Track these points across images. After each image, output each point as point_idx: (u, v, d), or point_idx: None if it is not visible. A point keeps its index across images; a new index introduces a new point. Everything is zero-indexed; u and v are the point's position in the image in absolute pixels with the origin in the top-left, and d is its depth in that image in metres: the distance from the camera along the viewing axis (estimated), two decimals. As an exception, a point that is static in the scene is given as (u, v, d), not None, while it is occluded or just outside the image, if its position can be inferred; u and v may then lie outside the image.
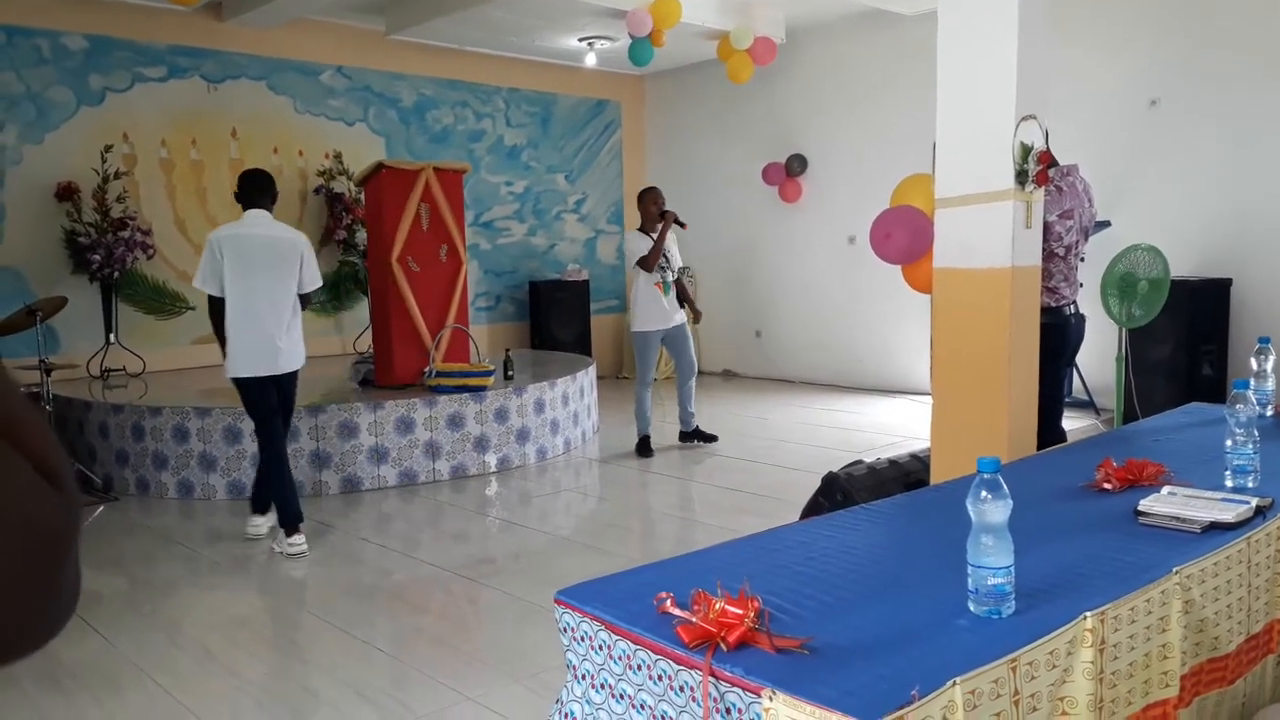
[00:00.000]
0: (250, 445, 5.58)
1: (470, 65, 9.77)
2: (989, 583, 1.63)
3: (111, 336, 7.58)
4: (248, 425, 5.47)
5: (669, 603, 1.66)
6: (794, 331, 10.02)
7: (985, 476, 1.64)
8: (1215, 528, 2.05)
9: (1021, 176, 3.70)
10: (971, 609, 1.65)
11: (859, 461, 4.26)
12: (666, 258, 6.72)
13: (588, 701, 1.76)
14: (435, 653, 3.63)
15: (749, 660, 1.48)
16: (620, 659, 1.67)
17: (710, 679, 1.49)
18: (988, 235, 3.77)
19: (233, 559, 4.81)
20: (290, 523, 4.78)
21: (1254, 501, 2.15)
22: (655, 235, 6.66)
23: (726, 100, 10.24)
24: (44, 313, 5.96)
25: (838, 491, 3.89)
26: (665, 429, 7.32)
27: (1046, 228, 4.04)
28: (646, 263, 6.60)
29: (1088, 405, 7.31)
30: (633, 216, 11.31)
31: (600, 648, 1.72)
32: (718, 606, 1.58)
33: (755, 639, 1.53)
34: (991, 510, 1.63)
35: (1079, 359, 5.30)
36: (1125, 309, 4.84)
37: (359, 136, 9.07)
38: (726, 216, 10.30)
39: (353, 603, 4.16)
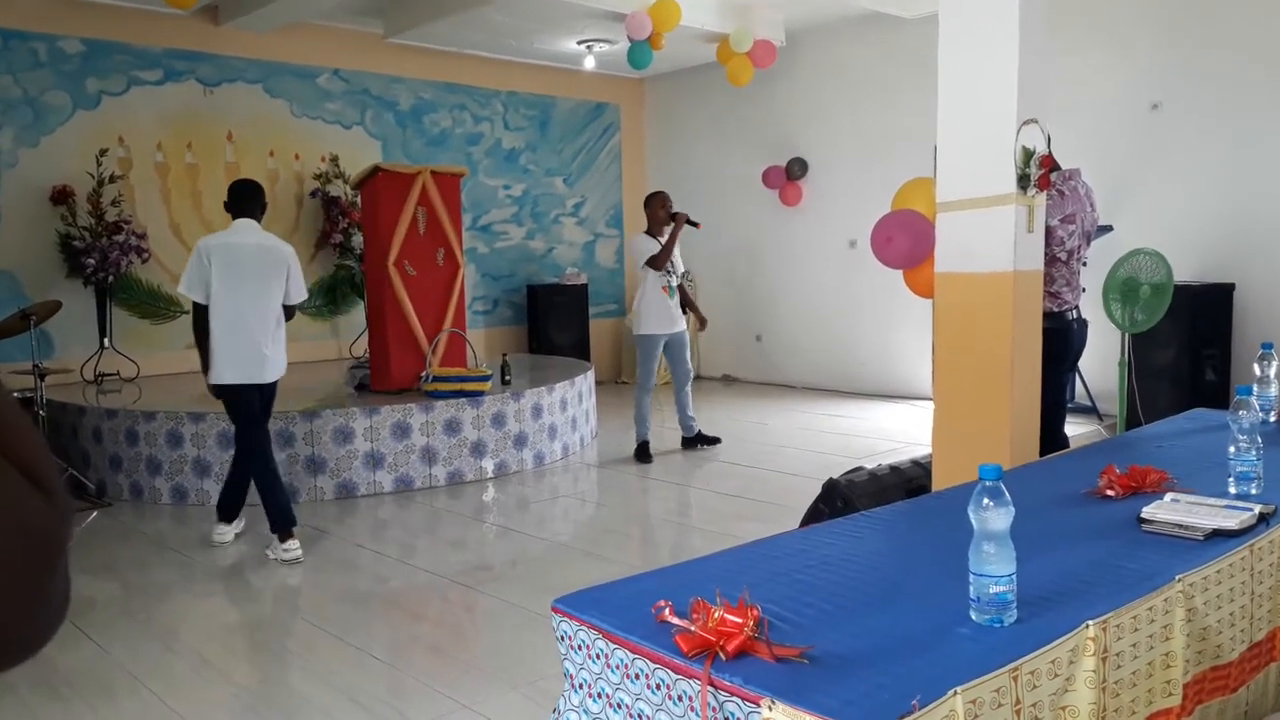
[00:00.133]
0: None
1: (468, 68, 9.76)
2: (991, 591, 1.61)
3: (106, 341, 7.55)
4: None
5: (667, 611, 1.64)
6: (795, 336, 10.01)
7: (987, 484, 1.62)
8: (1218, 535, 2.04)
9: (1023, 181, 3.68)
10: (973, 617, 1.64)
11: (860, 467, 4.24)
12: (671, 261, 6.71)
13: (585, 710, 1.74)
14: (432, 660, 3.61)
15: (748, 669, 1.47)
16: (618, 667, 1.65)
17: (709, 688, 1.47)
18: (989, 239, 3.75)
19: (227, 565, 4.79)
20: (284, 527, 4.75)
21: (1257, 508, 2.13)
22: (662, 239, 6.65)
23: (726, 103, 10.23)
24: (38, 317, 5.93)
25: (838, 498, 3.87)
26: (664, 434, 7.30)
27: (1049, 232, 4.02)
28: (656, 261, 6.57)
29: (1090, 411, 7.29)
30: (632, 220, 11.35)
31: (598, 656, 1.70)
32: (716, 615, 1.56)
33: (754, 648, 1.51)
34: (993, 518, 1.61)
35: (1081, 364, 5.29)
36: (1128, 314, 4.83)
37: (356, 140, 9.06)
38: (726, 220, 10.29)
39: (348, 610, 4.13)
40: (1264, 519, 2.12)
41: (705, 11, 8.40)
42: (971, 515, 1.63)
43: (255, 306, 4.71)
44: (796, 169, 9.67)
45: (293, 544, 4.73)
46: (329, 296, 8.90)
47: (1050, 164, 3.80)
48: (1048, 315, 4.10)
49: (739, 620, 1.54)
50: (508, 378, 6.95)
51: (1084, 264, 4.43)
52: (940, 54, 3.88)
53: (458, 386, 6.36)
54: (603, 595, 1.83)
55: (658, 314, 6.65)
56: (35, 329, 5.89)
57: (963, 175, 3.83)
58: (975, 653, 1.51)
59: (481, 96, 9.96)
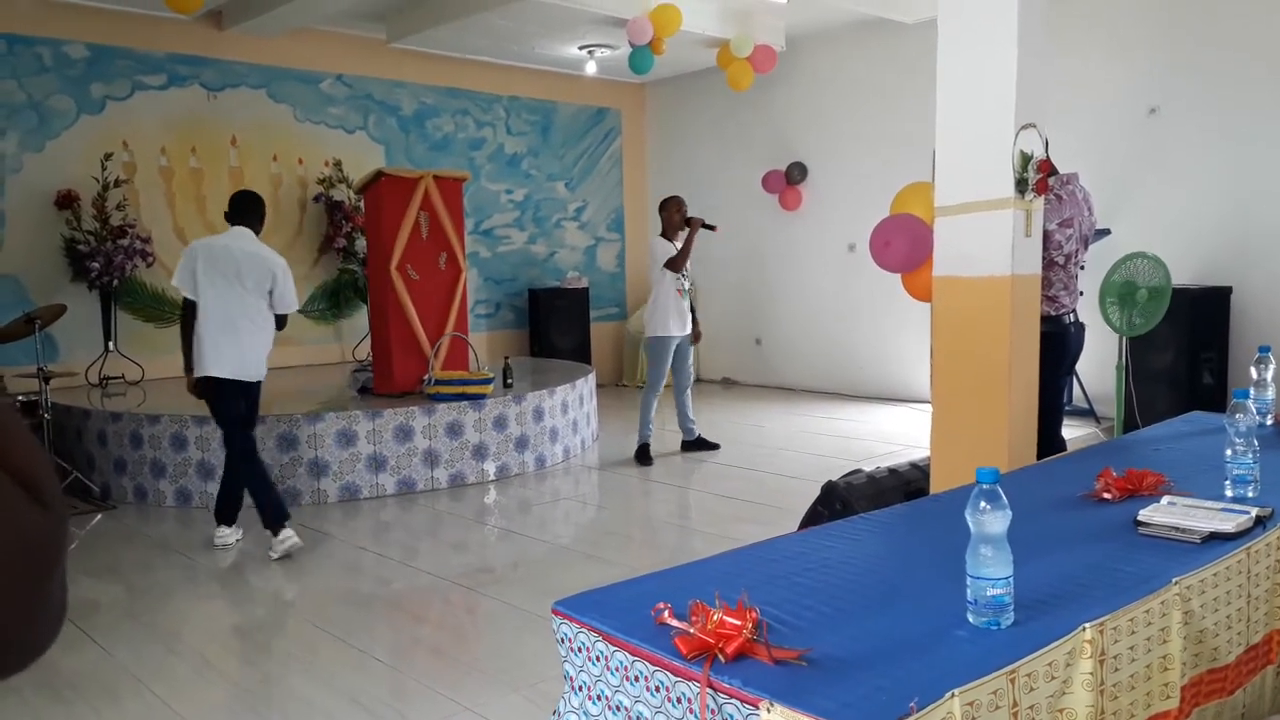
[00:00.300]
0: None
1: (471, 73, 9.78)
2: (988, 594, 1.62)
3: (110, 344, 7.57)
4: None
5: (667, 613, 1.65)
6: (794, 339, 10.02)
7: (984, 487, 1.63)
8: (1215, 538, 2.05)
9: (1021, 185, 3.70)
10: (970, 620, 1.64)
11: (858, 470, 4.25)
12: (685, 266, 6.77)
13: (585, 713, 1.75)
14: (433, 662, 3.62)
15: (747, 671, 1.48)
16: (618, 670, 1.67)
17: (708, 690, 1.48)
18: (988, 243, 3.77)
19: (231, 567, 4.80)
20: (277, 520, 4.82)
21: (1254, 511, 2.15)
22: (677, 243, 6.72)
23: (727, 108, 10.25)
24: (43, 320, 5.95)
25: (837, 500, 3.88)
26: (664, 437, 7.31)
27: (1046, 236, 4.04)
28: (676, 263, 6.64)
29: (1088, 414, 7.30)
30: (633, 224, 11.38)
31: (598, 658, 1.71)
32: (716, 617, 1.57)
33: (753, 650, 1.52)
34: (990, 521, 1.62)
35: (1079, 367, 5.30)
36: (1125, 317, 4.84)
37: (359, 144, 9.08)
38: (726, 224, 10.22)
39: (351, 612, 4.15)
40: (1261, 522, 2.13)
41: (706, 17, 8.42)
42: (969, 518, 1.64)
43: (239, 307, 4.82)
44: (796, 173, 9.69)
45: (286, 532, 4.80)
46: (332, 300, 8.92)
47: (1048, 168, 3.81)
48: (1045, 319, 4.11)
49: (738, 623, 1.55)
50: (509, 381, 6.97)
51: (1082, 268, 4.44)
52: (939, 58, 3.90)
53: (460, 390, 6.38)
54: (603, 598, 1.84)
55: (672, 316, 6.71)
56: (40, 333, 5.91)
57: (961, 179, 3.84)
58: (973, 655, 1.52)
59: (484, 101, 9.98)
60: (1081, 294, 4.47)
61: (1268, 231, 6.64)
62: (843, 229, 9.31)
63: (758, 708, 1.40)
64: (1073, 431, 6.17)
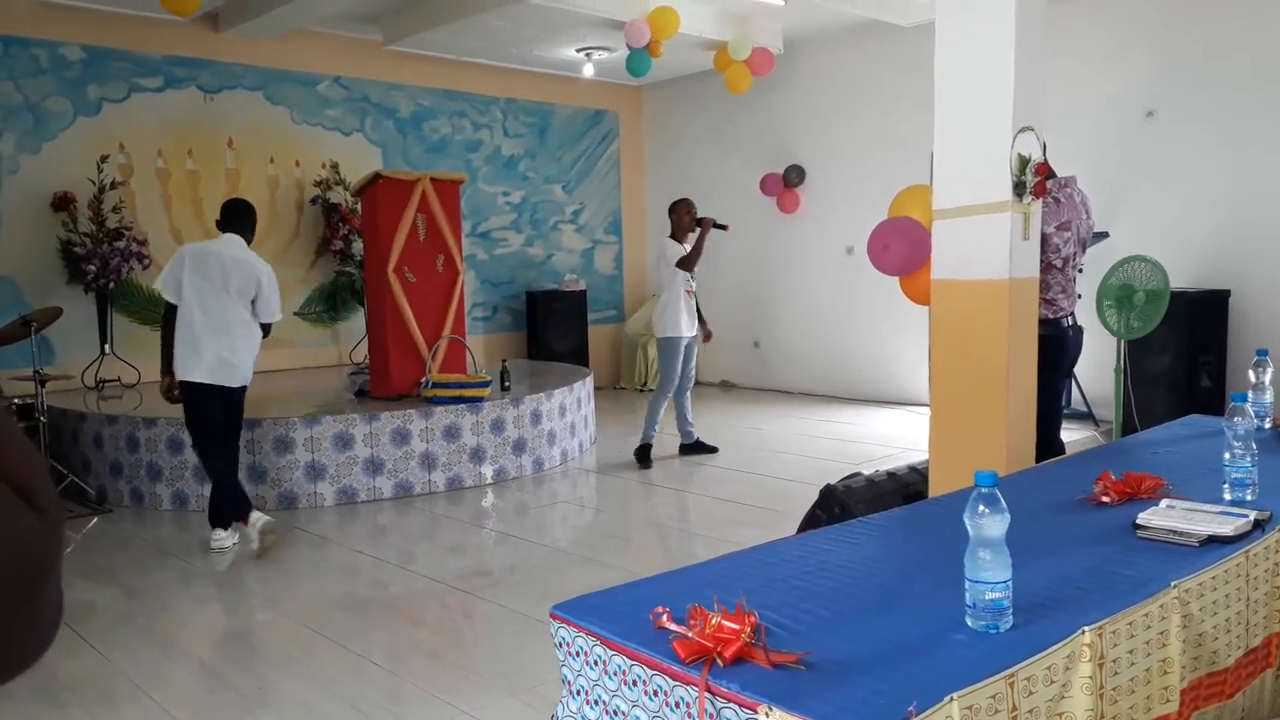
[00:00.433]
0: (244, 457, 5.55)
1: (468, 75, 9.78)
2: (987, 597, 1.62)
3: (106, 347, 7.55)
4: (243, 436, 5.42)
5: (665, 618, 1.65)
6: (792, 342, 10.02)
7: (982, 490, 1.63)
8: (1213, 541, 2.05)
9: (1019, 188, 3.70)
10: (969, 624, 1.64)
11: (857, 473, 4.25)
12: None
13: (582, 717, 1.74)
14: (431, 666, 3.61)
15: (745, 676, 1.47)
16: (615, 674, 1.66)
17: (706, 694, 1.48)
18: (985, 247, 3.77)
19: (227, 571, 4.79)
20: (243, 511, 4.89)
21: (1252, 515, 2.14)
22: (688, 245, 6.76)
23: (724, 111, 10.26)
24: (39, 323, 5.94)
25: (835, 504, 3.87)
26: (663, 440, 7.30)
27: (1044, 239, 4.04)
28: (688, 262, 6.67)
29: (1086, 417, 7.31)
30: (630, 227, 11.39)
31: (595, 663, 1.70)
32: (714, 621, 1.56)
33: (752, 654, 1.51)
34: (989, 524, 1.62)
35: (1077, 370, 5.30)
36: (1123, 320, 4.84)
37: (356, 147, 9.07)
38: (724, 227, 10.29)
39: (348, 616, 4.14)
40: (1259, 525, 2.13)
41: (704, 19, 8.43)
42: (967, 522, 1.64)
43: (223, 312, 4.87)
44: (794, 176, 9.70)
45: (255, 515, 4.89)
46: (329, 303, 8.91)
47: (1046, 171, 3.82)
48: (1043, 322, 4.11)
49: (736, 626, 1.54)
50: (507, 384, 6.96)
51: (1080, 271, 4.45)
52: (937, 61, 3.90)
53: (457, 393, 6.37)
54: (600, 601, 1.83)
55: (683, 316, 6.73)
56: (36, 335, 5.91)
57: (959, 183, 3.84)
58: (971, 659, 1.51)
59: (481, 104, 9.98)
60: (1080, 297, 4.47)
61: (1265, 234, 6.65)
62: (841, 232, 9.32)
63: (756, 712, 1.40)
64: (1071, 435, 6.17)
